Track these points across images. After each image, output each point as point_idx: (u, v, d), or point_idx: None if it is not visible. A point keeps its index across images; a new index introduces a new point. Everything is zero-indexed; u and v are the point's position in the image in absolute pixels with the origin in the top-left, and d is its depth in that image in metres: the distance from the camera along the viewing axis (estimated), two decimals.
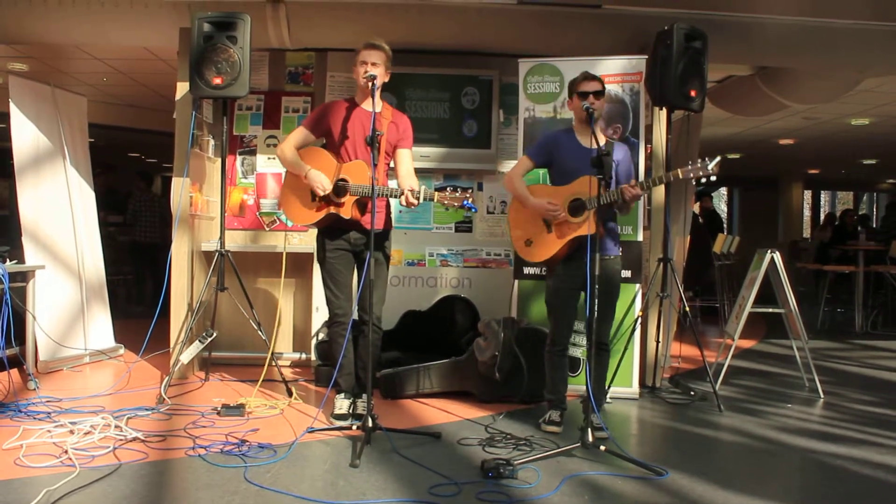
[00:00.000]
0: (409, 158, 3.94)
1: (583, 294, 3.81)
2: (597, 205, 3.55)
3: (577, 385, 4.43)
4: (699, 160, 3.52)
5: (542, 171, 4.24)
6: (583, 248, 3.72)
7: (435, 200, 3.60)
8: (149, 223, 8.63)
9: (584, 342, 4.51)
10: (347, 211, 3.78)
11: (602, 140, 3.71)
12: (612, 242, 3.82)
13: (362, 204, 3.80)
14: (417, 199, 3.58)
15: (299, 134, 3.94)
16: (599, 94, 3.72)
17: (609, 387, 4.24)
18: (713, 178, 3.53)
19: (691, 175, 3.55)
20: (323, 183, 3.76)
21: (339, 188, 3.78)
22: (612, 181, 3.60)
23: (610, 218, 3.80)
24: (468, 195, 3.59)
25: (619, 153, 3.79)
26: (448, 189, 3.62)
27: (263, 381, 4.52)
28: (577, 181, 3.72)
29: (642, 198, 4.69)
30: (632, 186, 3.58)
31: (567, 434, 3.69)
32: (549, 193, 3.83)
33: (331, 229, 3.89)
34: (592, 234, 3.45)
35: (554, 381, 3.87)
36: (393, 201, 4.14)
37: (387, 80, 3.83)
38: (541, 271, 4.43)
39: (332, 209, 3.81)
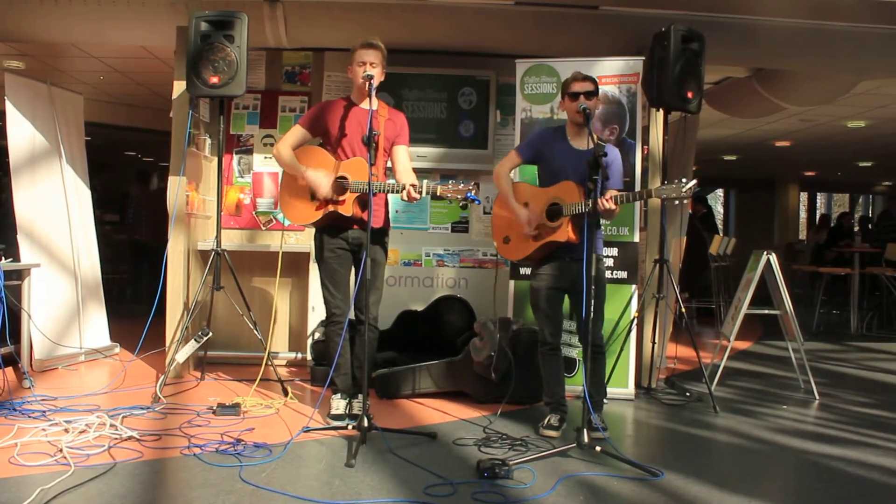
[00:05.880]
0: (407, 155, 3.94)
1: (568, 295, 3.84)
2: (573, 212, 3.56)
3: (574, 385, 4.44)
4: (675, 181, 3.45)
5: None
6: (560, 250, 3.74)
7: (438, 193, 3.57)
8: (150, 222, 8.62)
9: (578, 342, 4.51)
10: (348, 208, 3.76)
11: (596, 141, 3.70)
12: (598, 242, 3.77)
13: (363, 201, 3.76)
14: (420, 193, 3.57)
15: (296, 133, 3.92)
16: (591, 94, 3.72)
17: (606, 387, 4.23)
18: (685, 201, 3.49)
19: (664, 195, 3.48)
20: (322, 185, 3.76)
21: (339, 186, 3.78)
22: (599, 183, 3.56)
23: (595, 222, 3.68)
24: (471, 187, 3.52)
25: (611, 155, 3.77)
26: (451, 182, 3.60)
27: (259, 380, 4.51)
28: (558, 185, 3.71)
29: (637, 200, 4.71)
30: (607, 200, 3.48)
31: (563, 434, 3.69)
32: (530, 194, 3.83)
33: (329, 228, 3.88)
34: (588, 238, 3.43)
35: (549, 383, 3.85)
36: (391, 199, 4.13)
37: (383, 78, 3.82)
38: None
39: (333, 207, 3.78)
